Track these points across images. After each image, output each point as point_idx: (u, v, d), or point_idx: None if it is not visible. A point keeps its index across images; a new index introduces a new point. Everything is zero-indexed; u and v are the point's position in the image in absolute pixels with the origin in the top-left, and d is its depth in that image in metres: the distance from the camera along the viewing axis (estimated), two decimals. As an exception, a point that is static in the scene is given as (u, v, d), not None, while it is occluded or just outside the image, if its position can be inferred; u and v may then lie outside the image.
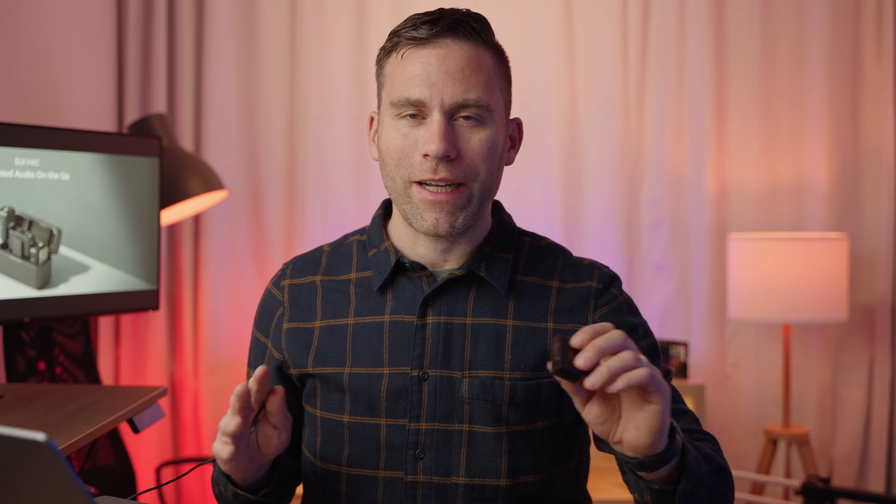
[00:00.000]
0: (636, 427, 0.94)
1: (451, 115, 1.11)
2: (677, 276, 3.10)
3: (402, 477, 1.14)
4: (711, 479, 1.05)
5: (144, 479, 2.90)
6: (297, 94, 3.10)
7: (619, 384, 0.90)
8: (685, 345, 2.92)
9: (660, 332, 3.09)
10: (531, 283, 1.19)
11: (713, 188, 3.07)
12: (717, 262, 3.06)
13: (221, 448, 1.05)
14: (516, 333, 1.16)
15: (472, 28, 1.13)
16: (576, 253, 1.33)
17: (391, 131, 1.14)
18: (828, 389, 3.05)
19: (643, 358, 0.92)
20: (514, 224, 1.26)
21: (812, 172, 3.05)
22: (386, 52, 1.16)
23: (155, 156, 2.30)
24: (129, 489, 2.42)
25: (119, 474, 2.41)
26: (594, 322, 1.17)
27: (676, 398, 1.19)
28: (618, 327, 1.17)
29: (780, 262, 2.72)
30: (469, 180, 1.13)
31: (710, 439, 1.17)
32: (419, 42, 1.11)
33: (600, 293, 1.20)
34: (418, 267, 1.18)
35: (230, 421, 1.03)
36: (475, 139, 1.12)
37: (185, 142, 3.03)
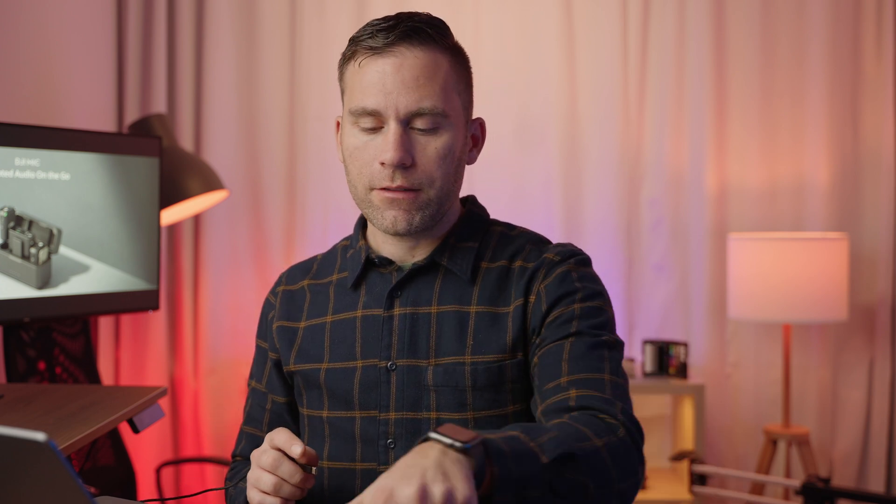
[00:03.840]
0: None
1: (406, 123, 1.14)
2: (677, 276, 3.10)
3: (377, 468, 1.17)
4: (553, 473, 0.93)
5: (144, 479, 2.89)
6: (297, 94, 3.10)
7: None
8: (685, 345, 2.92)
9: (660, 332, 3.08)
10: (497, 268, 1.21)
11: (713, 188, 3.07)
12: (717, 262, 3.05)
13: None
14: (479, 319, 1.17)
15: (428, 34, 1.15)
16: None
17: (351, 138, 1.18)
18: (828, 389, 3.05)
19: None
20: (487, 216, 1.28)
21: (812, 172, 3.05)
22: (345, 59, 1.19)
23: (155, 156, 2.30)
24: (129, 489, 2.42)
25: (119, 474, 2.41)
26: (539, 292, 1.16)
27: (600, 325, 1.15)
28: (556, 292, 1.16)
29: (780, 262, 2.72)
30: (425, 186, 1.15)
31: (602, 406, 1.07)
32: (375, 51, 1.14)
33: (554, 264, 1.18)
34: (387, 262, 1.22)
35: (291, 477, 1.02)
36: (431, 147, 1.15)
37: (185, 142, 3.03)
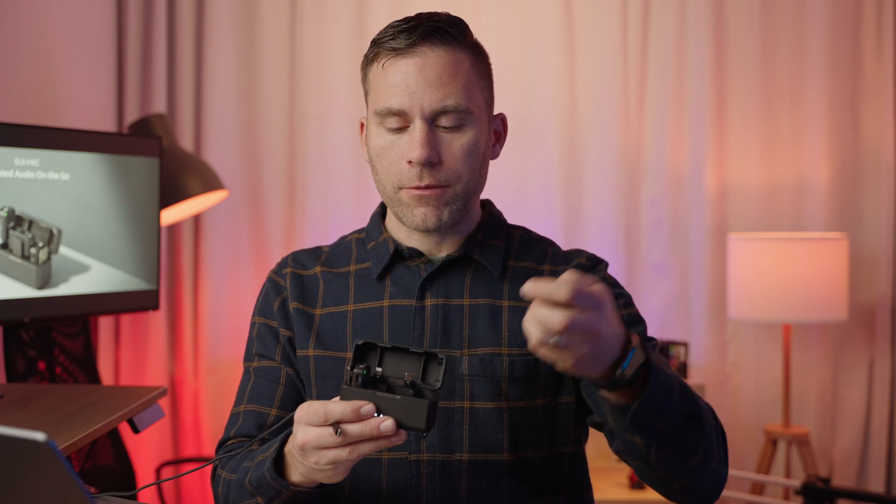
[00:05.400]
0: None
1: (432, 121, 1.17)
2: (677, 276, 3.10)
3: (406, 457, 1.17)
4: (680, 421, 1.03)
5: (144, 479, 2.90)
6: (297, 94, 3.10)
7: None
8: (685, 345, 2.92)
9: (660, 332, 3.09)
10: (524, 267, 1.26)
11: (713, 188, 3.07)
12: (717, 262, 3.06)
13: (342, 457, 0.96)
14: (512, 313, 1.21)
15: (448, 33, 1.18)
16: (576, 253, 1.37)
17: (377, 138, 1.20)
18: (828, 389, 3.05)
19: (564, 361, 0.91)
20: (504, 219, 1.32)
21: (812, 172, 3.05)
22: (368, 61, 1.22)
23: (155, 156, 2.30)
24: (128, 489, 2.42)
25: (119, 474, 2.41)
26: None
27: (644, 331, 1.22)
28: None
29: (780, 262, 2.72)
30: (452, 183, 1.18)
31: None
32: (398, 52, 1.16)
33: (588, 269, 1.26)
34: (416, 254, 1.24)
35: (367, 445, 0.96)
36: (456, 144, 1.18)
37: (185, 142, 3.03)
